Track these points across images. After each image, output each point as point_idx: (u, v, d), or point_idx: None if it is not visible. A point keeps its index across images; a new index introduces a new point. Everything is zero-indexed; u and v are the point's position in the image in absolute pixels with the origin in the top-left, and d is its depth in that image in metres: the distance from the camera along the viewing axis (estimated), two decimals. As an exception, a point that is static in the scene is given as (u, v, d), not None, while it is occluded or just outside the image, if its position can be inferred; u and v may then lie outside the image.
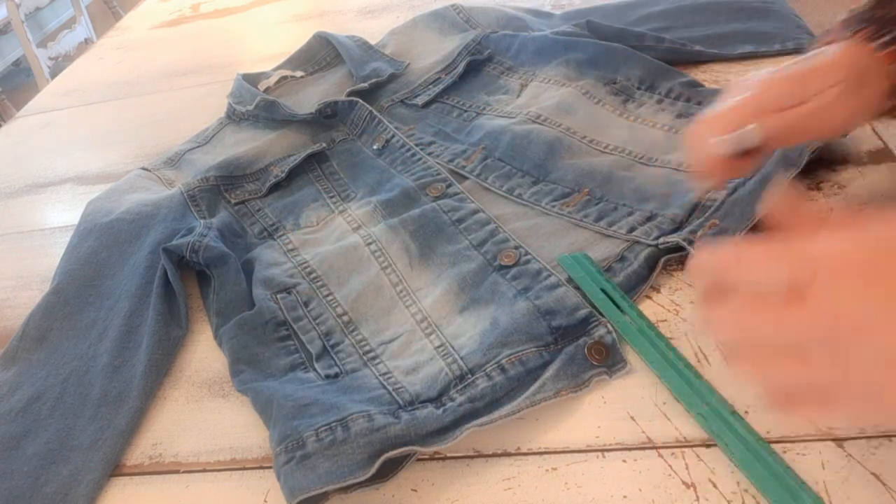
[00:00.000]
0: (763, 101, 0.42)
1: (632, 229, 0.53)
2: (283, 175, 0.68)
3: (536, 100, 0.69)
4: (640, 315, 0.47)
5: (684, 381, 0.42)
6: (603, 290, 0.48)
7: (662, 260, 0.51)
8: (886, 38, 0.41)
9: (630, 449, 0.41)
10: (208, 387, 0.52)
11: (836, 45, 0.43)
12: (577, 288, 0.50)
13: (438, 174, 0.62)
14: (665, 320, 0.48)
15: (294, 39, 0.96)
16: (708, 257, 0.31)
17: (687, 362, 0.43)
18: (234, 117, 0.80)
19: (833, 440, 0.38)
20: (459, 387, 0.45)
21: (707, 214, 0.51)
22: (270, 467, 0.44)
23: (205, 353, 0.55)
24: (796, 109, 0.42)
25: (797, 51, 0.69)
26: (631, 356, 0.46)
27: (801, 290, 0.28)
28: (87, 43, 2.04)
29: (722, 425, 0.40)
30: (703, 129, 0.44)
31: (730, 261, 0.30)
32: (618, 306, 0.48)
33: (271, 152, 0.72)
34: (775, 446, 0.38)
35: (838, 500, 0.36)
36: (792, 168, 0.53)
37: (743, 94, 0.43)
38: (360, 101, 0.73)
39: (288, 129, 0.74)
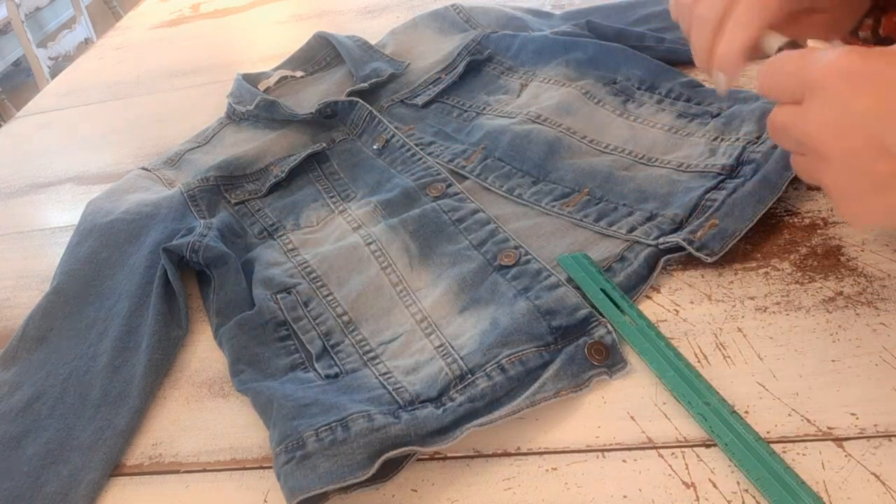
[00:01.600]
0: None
1: (632, 229, 0.53)
2: (283, 175, 0.68)
3: (536, 100, 0.69)
4: (640, 315, 0.47)
5: (684, 380, 0.42)
6: (603, 291, 0.48)
7: (662, 260, 0.51)
8: None
9: (630, 449, 0.41)
10: (208, 387, 0.52)
11: None
12: (578, 288, 0.50)
13: (438, 174, 0.62)
14: (665, 320, 0.48)
15: (294, 39, 0.96)
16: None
17: (687, 362, 0.44)
18: (234, 117, 0.80)
19: (833, 440, 0.38)
20: (459, 387, 0.45)
21: (707, 214, 0.51)
22: (270, 467, 0.44)
23: (205, 353, 0.55)
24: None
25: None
26: (631, 356, 0.46)
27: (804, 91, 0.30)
28: (87, 43, 2.04)
29: (722, 425, 0.40)
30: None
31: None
32: (617, 306, 0.48)
33: (271, 152, 0.72)
34: (775, 446, 0.38)
35: (838, 500, 0.36)
36: (791, 168, 0.53)
37: None
38: (360, 101, 0.73)
39: (288, 129, 0.74)
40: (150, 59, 1.12)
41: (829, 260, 0.48)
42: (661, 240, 0.51)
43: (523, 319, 0.47)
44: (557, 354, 0.45)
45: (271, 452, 0.43)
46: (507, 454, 0.42)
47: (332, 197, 0.66)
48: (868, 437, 0.38)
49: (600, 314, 0.47)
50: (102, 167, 0.85)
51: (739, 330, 0.46)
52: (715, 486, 0.38)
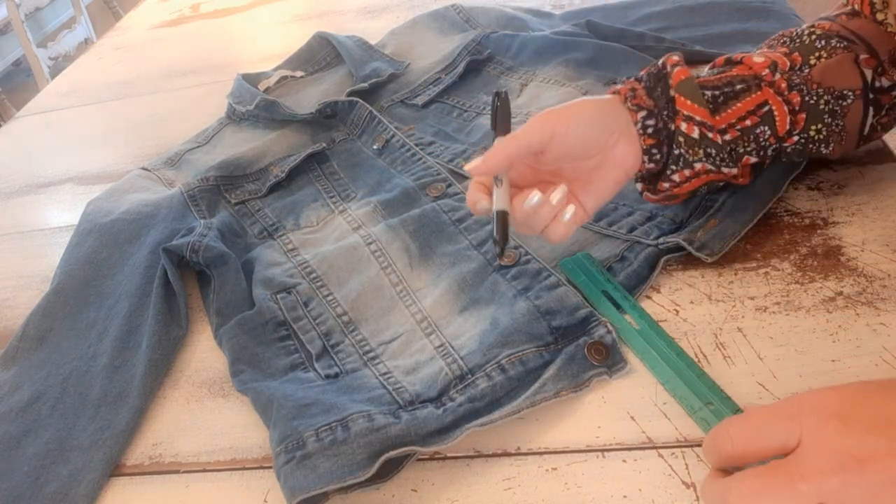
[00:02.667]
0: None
1: (632, 229, 0.53)
2: (283, 175, 0.68)
3: (536, 100, 0.69)
4: (643, 315, 0.47)
5: (685, 383, 0.42)
6: (604, 292, 0.48)
7: (662, 260, 0.51)
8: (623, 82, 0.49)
9: (630, 449, 0.41)
10: (208, 387, 0.52)
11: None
12: (578, 288, 0.49)
13: (438, 174, 0.62)
14: (665, 320, 0.48)
15: (294, 39, 0.96)
16: (708, 443, 0.35)
17: (690, 361, 0.43)
18: (234, 117, 0.80)
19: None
20: (459, 387, 0.45)
21: (707, 214, 0.51)
22: (270, 467, 0.44)
23: (205, 353, 0.55)
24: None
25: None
26: (631, 356, 0.46)
27: (793, 444, 0.31)
28: (87, 43, 2.04)
29: None
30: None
31: (724, 438, 0.34)
32: (619, 307, 0.48)
33: (271, 152, 0.72)
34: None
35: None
36: (791, 168, 0.53)
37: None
38: (360, 101, 0.73)
39: (288, 129, 0.74)
40: (150, 59, 1.12)
41: (829, 260, 0.48)
42: (661, 240, 0.51)
43: (523, 319, 0.47)
44: (557, 354, 0.45)
45: (271, 452, 0.43)
46: (507, 454, 0.42)
47: (332, 197, 0.66)
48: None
49: (602, 315, 0.47)
50: (102, 167, 0.85)
51: (739, 330, 0.46)
52: (715, 486, 0.38)
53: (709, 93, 0.47)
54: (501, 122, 0.49)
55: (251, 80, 0.83)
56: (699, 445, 0.40)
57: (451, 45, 0.81)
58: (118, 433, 0.49)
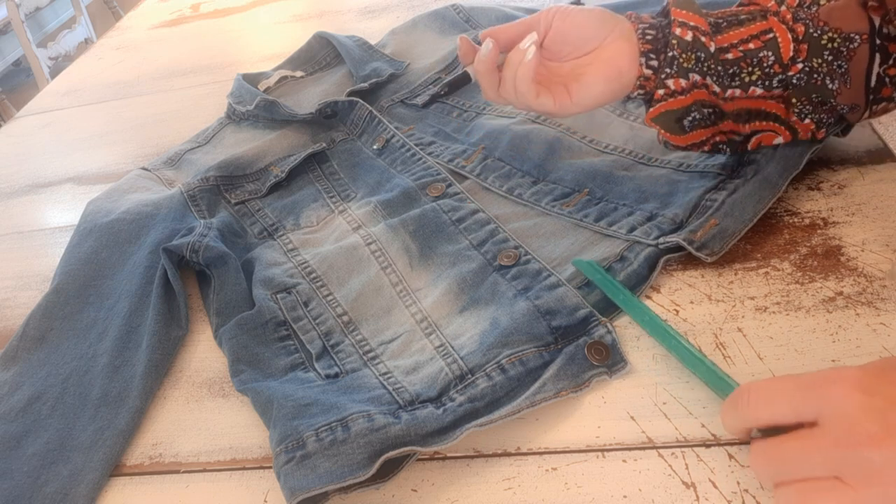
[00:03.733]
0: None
1: (632, 229, 0.53)
2: (283, 175, 0.68)
3: (536, 100, 0.69)
4: (663, 322, 0.46)
5: (718, 373, 0.42)
6: (623, 294, 0.48)
7: (662, 260, 0.51)
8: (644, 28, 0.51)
9: (630, 449, 0.41)
10: (208, 387, 0.52)
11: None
12: (579, 289, 0.49)
13: (438, 174, 0.62)
14: (665, 320, 0.47)
15: (294, 39, 0.96)
16: (726, 405, 0.35)
17: (714, 364, 0.43)
18: (234, 117, 0.80)
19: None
20: (459, 387, 0.45)
21: (707, 214, 0.51)
22: (270, 467, 0.44)
23: (205, 353, 0.55)
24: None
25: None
26: (631, 356, 0.46)
27: (813, 417, 0.31)
28: (87, 43, 2.04)
29: None
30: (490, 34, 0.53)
31: (742, 399, 0.34)
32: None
33: (271, 152, 0.72)
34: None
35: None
36: (792, 168, 0.53)
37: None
38: (360, 101, 0.73)
39: (288, 129, 0.74)
40: (150, 59, 1.12)
41: (829, 260, 0.48)
42: (661, 240, 0.51)
43: (523, 319, 0.47)
44: (557, 354, 0.45)
45: (271, 452, 0.43)
46: (507, 454, 0.42)
47: (332, 197, 0.66)
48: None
49: (613, 312, 0.47)
50: (102, 167, 0.85)
51: (739, 330, 0.46)
52: (715, 486, 0.38)
53: (711, 19, 0.49)
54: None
55: (251, 80, 0.83)
56: (699, 445, 0.40)
57: (452, 45, 0.81)
58: (118, 433, 0.49)
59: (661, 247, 0.51)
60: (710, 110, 0.51)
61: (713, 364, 0.42)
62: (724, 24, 0.49)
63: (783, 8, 0.49)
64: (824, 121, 0.50)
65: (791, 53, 0.48)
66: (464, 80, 0.57)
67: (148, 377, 0.52)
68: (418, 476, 0.42)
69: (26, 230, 0.77)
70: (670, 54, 0.49)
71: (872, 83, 0.49)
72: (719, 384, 0.41)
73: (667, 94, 0.50)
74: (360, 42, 0.85)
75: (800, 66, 0.48)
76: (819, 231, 0.51)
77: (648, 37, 0.49)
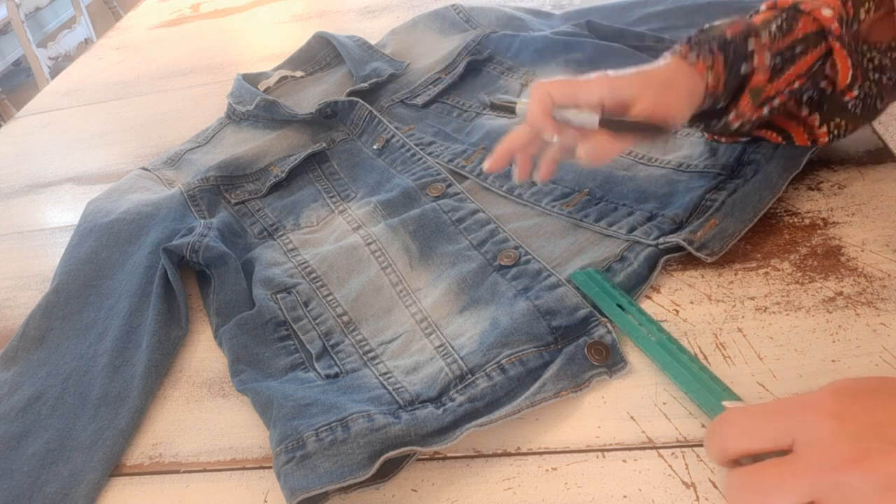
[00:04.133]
0: (602, 89, 0.48)
1: (632, 229, 0.53)
2: (283, 175, 0.68)
3: (536, 100, 0.69)
4: (660, 328, 0.46)
5: (712, 395, 0.41)
6: (619, 306, 0.48)
7: (662, 260, 0.51)
8: (699, 53, 0.49)
9: (630, 449, 0.41)
10: (208, 387, 0.52)
11: (663, 58, 0.51)
12: (578, 288, 0.49)
13: (438, 174, 0.62)
14: (665, 320, 0.48)
15: (294, 39, 0.96)
16: (706, 442, 0.35)
17: (714, 374, 0.42)
18: (234, 117, 0.80)
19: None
20: (459, 387, 0.45)
21: (707, 214, 0.51)
22: (270, 467, 0.44)
23: (205, 353, 0.55)
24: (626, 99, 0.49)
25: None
26: (631, 357, 0.46)
27: (789, 443, 0.32)
28: (87, 43, 2.04)
29: None
30: (552, 89, 0.48)
31: (717, 437, 0.34)
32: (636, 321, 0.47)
33: (271, 152, 0.72)
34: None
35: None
36: (792, 168, 0.53)
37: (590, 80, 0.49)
38: (360, 101, 0.73)
39: (288, 129, 0.74)
40: (150, 59, 1.12)
41: (829, 260, 0.48)
42: (661, 240, 0.51)
43: (523, 319, 0.47)
44: (557, 354, 0.45)
45: (271, 452, 0.43)
46: (507, 454, 0.42)
47: (332, 197, 0.66)
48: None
49: (607, 317, 0.47)
50: (102, 167, 0.85)
51: (739, 330, 0.46)
52: (715, 486, 0.38)
53: (771, 61, 0.48)
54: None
55: (251, 80, 0.83)
56: (699, 445, 0.40)
57: (451, 45, 0.81)
58: (118, 433, 0.49)
59: (661, 247, 0.51)
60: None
61: (714, 380, 0.42)
62: (779, 63, 0.48)
63: (844, 29, 0.47)
64: (844, 132, 0.51)
65: (849, 80, 0.48)
66: (510, 110, 0.55)
67: (148, 377, 0.52)
68: (418, 476, 0.42)
69: (26, 230, 0.77)
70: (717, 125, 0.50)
71: None
72: (714, 406, 0.40)
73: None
74: (360, 42, 0.85)
75: (855, 92, 0.48)
76: (819, 231, 0.51)
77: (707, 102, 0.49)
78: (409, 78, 0.79)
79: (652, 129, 0.48)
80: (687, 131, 0.60)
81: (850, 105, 0.49)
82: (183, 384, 0.53)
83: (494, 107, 0.53)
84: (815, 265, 0.48)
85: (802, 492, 0.30)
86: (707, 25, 0.51)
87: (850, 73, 0.48)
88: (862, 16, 0.48)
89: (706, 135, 0.55)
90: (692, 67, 0.48)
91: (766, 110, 0.50)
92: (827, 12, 0.48)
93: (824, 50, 0.48)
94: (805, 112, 0.52)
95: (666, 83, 0.48)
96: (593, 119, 0.48)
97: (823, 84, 0.49)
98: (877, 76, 0.48)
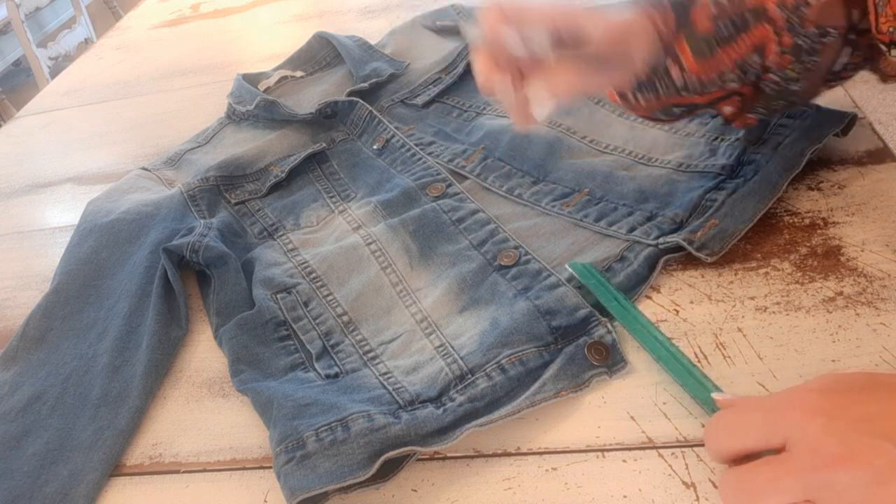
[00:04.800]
0: (554, 12, 0.45)
1: (632, 229, 0.53)
2: (283, 175, 0.68)
3: (536, 100, 0.69)
4: (655, 328, 0.46)
5: (706, 388, 0.41)
6: (616, 300, 0.48)
7: (662, 260, 0.51)
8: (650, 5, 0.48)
9: (630, 449, 0.41)
10: (208, 387, 0.52)
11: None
12: (579, 288, 0.49)
13: (438, 174, 0.62)
14: (665, 320, 0.48)
15: (294, 39, 0.96)
16: (705, 443, 0.36)
17: (704, 374, 0.42)
18: (234, 117, 0.80)
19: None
20: (459, 387, 0.45)
21: (707, 214, 0.51)
22: (270, 467, 0.44)
23: (205, 353, 0.55)
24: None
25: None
26: (631, 357, 0.46)
27: (781, 442, 0.32)
28: (87, 43, 2.04)
29: None
30: (501, 2, 0.45)
31: (712, 439, 0.35)
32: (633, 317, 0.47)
33: (271, 152, 0.72)
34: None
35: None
36: (792, 168, 0.53)
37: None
38: (360, 101, 0.73)
39: (288, 129, 0.74)
40: (150, 59, 1.12)
41: (829, 260, 0.48)
42: (660, 240, 0.51)
43: (523, 319, 0.47)
44: (557, 354, 0.45)
45: (271, 452, 0.43)
46: (507, 454, 0.42)
47: (332, 197, 0.66)
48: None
49: (609, 317, 0.47)
50: (102, 167, 0.85)
51: (739, 330, 0.46)
52: (715, 486, 0.38)
53: (721, 30, 0.48)
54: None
55: (251, 80, 0.83)
56: (699, 445, 0.40)
57: (451, 45, 0.81)
58: (118, 433, 0.49)
59: (660, 247, 0.51)
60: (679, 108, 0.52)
61: (704, 377, 0.42)
62: (726, 32, 0.48)
63: (780, 12, 0.47)
64: (769, 115, 0.52)
65: (770, 64, 0.48)
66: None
67: (148, 377, 0.52)
68: (418, 476, 0.42)
69: (26, 230, 0.77)
70: (654, 82, 0.50)
71: (836, 69, 0.49)
72: (708, 400, 0.41)
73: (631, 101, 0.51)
74: (360, 42, 0.85)
75: (772, 76, 0.48)
76: (819, 231, 0.51)
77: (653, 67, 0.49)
78: (409, 78, 0.79)
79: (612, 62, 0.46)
80: (687, 131, 0.60)
81: (764, 86, 0.49)
82: (183, 384, 0.53)
83: (441, 30, 0.49)
84: (815, 265, 0.48)
85: (795, 491, 0.30)
86: None
87: (774, 57, 0.48)
88: (812, 1, 0.47)
89: (643, 117, 0.55)
90: (647, 18, 0.48)
91: (713, 75, 0.49)
92: None
93: (761, 36, 0.47)
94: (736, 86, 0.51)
95: (625, 24, 0.47)
96: (544, 42, 0.44)
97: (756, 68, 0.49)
98: (805, 58, 0.47)
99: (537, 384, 0.43)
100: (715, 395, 0.40)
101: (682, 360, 0.43)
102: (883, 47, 0.45)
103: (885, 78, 0.52)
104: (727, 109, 0.53)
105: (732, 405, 0.37)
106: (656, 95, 0.50)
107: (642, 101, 0.51)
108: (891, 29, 0.44)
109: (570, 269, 0.51)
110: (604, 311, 0.48)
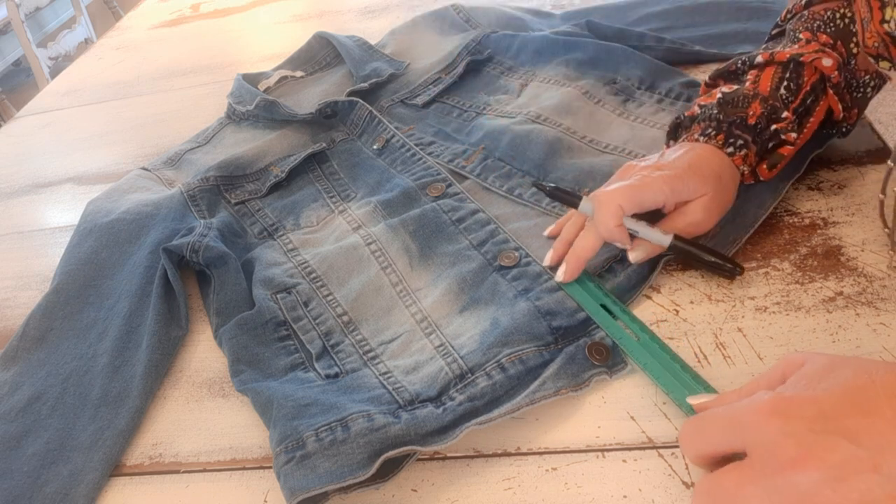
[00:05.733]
0: (665, 192, 0.48)
1: (632, 229, 0.53)
2: (283, 175, 0.68)
3: (536, 100, 0.69)
4: (643, 327, 0.46)
5: (686, 388, 0.42)
6: (603, 306, 0.48)
7: (662, 260, 0.51)
8: (735, 145, 0.50)
9: (630, 449, 0.41)
10: (208, 387, 0.52)
11: (692, 141, 0.52)
12: (575, 301, 0.49)
13: (438, 174, 0.62)
14: (665, 320, 0.48)
15: (294, 39, 0.96)
16: (679, 442, 0.37)
17: (695, 373, 0.43)
18: (234, 117, 0.80)
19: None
20: (459, 386, 0.45)
21: (707, 214, 0.51)
22: (270, 467, 0.44)
23: (205, 353, 0.55)
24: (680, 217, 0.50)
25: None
26: (632, 362, 0.46)
27: (742, 446, 0.33)
28: (87, 43, 2.04)
29: None
30: (621, 201, 0.48)
31: (683, 447, 0.36)
32: (618, 320, 0.47)
33: (271, 152, 0.72)
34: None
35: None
36: (792, 173, 0.53)
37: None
38: (360, 101, 0.73)
39: (288, 129, 0.74)
40: (150, 59, 1.12)
41: (829, 260, 0.48)
42: (661, 240, 0.51)
43: (523, 319, 0.47)
44: (558, 354, 0.45)
45: (271, 452, 0.43)
46: (507, 454, 0.42)
47: (332, 197, 0.66)
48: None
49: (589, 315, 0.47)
50: (102, 167, 0.85)
51: (739, 330, 0.46)
52: (715, 486, 0.38)
53: (793, 116, 0.51)
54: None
55: (251, 80, 0.83)
56: (699, 445, 0.40)
57: (451, 45, 0.81)
58: (118, 433, 0.49)
59: (661, 247, 0.51)
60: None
61: (693, 379, 0.42)
62: (799, 118, 0.52)
63: (837, 75, 0.51)
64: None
65: (840, 119, 0.53)
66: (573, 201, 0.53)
67: (148, 377, 0.52)
68: (418, 476, 0.42)
69: (26, 230, 0.77)
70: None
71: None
72: (684, 405, 0.41)
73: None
74: (360, 42, 0.85)
75: (844, 128, 0.55)
76: (819, 231, 0.51)
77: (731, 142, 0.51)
78: (409, 78, 0.79)
79: (720, 268, 0.48)
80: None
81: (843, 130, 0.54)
82: (183, 384, 0.53)
83: (554, 195, 0.52)
84: (815, 265, 0.48)
85: (761, 495, 0.31)
86: (718, 95, 0.53)
87: (842, 115, 0.53)
88: (854, 50, 0.51)
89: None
90: (730, 158, 0.50)
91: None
92: (827, 62, 0.51)
93: (828, 104, 0.52)
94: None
95: (715, 176, 0.49)
96: (665, 239, 0.48)
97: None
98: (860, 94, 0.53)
99: (537, 382, 0.43)
100: (690, 399, 0.40)
101: (672, 365, 0.43)
102: (872, 60, 0.48)
103: None
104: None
105: (706, 409, 0.38)
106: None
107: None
108: (875, 44, 0.45)
109: (541, 266, 0.51)
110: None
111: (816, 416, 0.31)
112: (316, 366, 0.50)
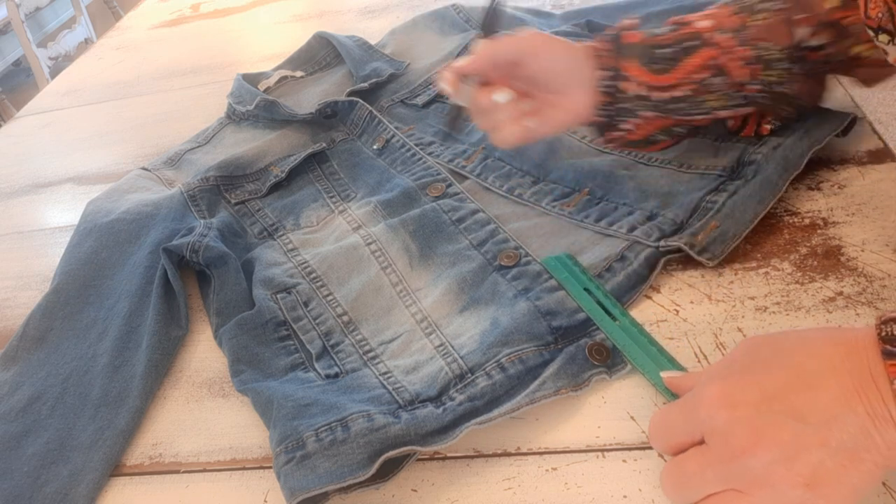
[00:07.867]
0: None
1: (632, 229, 0.53)
2: (283, 175, 0.68)
3: (536, 100, 0.69)
4: (624, 313, 0.47)
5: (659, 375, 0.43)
6: (586, 290, 0.48)
7: (663, 260, 0.51)
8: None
9: (630, 449, 0.41)
10: (208, 387, 0.52)
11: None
12: (560, 283, 0.49)
13: (438, 174, 0.62)
14: (665, 320, 0.48)
15: (294, 39, 0.96)
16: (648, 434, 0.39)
17: (671, 356, 0.44)
18: (234, 117, 0.80)
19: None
20: (459, 386, 0.45)
21: (707, 216, 0.51)
22: (270, 467, 0.44)
23: (205, 353, 0.55)
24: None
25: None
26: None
27: (700, 436, 0.34)
28: (87, 43, 2.04)
29: None
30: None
31: (651, 431, 0.38)
32: (602, 305, 0.48)
33: (271, 152, 0.72)
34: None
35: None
36: (792, 169, 0.53)
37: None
38: (360, 100, 0.73)
39: (288, 129, 0.74)
40: (150, 59, 1.12)
41: (829, 260, 0.48)
42: (661, 242, 0.51)
43: (524, 319, 0.47)
44: (558, 353, 0.45)
45: (271, 452, 0.43)
46: (507, 454, 0.42)
47: (332, 197, 0.66)
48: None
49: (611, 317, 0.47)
50: (102, 167, 0.85)
51: (739, 330, 0.46)
52: (715, 486, 0.38)
53: (660, 51, 0.51)
54: (490, 25, 0.55)
55: (251, 80, 0.83)
56: (699, 445, 0.40)
57: (451, 45, 0.81)
58: (118, 433, 0.49)
59: (661, 249, 0.51)
60: (679, 128, 0.54)
61: (667, 365, 0.43)
62: (671, 55, 0.51)
63: (721, 35, 0.50)
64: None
65: (741, 78, 0.50)
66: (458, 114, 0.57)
67: (148, 377, 0.52)
68: (418, 476, 0.42)
69: (26, 230, 0.77)
70: (624, 106, 0.51)
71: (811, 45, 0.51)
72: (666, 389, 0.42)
73: (626, 133, 0.53)
74: (360, 42, 0.85)
75: (756, 86, 0.50)
76: (819, 231, 0.51)
77: (608, 89, 0.51)
78: (409, 78, 0.79)
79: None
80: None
81: (757, 98, 0.51)
82: (183, 384, 0.53)
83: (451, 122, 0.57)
84: (815, 265, 0.48)
85: (719, 480, 0.33)
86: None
87: (740, 71, 0.51)
88: (749, 23, 0.50)
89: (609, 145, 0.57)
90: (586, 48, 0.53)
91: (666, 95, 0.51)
92: (704, 23, 0.51)
93: (711, 55, 0.51)
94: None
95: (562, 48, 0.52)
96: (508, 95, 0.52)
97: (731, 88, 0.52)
98: (787, 65, 0.50)
99: (537, 382, 0.43)
100: (663, 374, 0.42)
101: (649, 348, 0.44)
102: (871, 32, 0.47)
103: (867, 83, 0.54)
104: (730, 122, 0.55)
105: (678, 387, 0.41)
106: (633, 115, 0.52)
107: (632, 126, 0.53)
108: (880, 14, 0.45)
109: (543, 264, 0.51)
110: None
111: (761, 399, 0.32)
112: (316, 366, 0.50)
